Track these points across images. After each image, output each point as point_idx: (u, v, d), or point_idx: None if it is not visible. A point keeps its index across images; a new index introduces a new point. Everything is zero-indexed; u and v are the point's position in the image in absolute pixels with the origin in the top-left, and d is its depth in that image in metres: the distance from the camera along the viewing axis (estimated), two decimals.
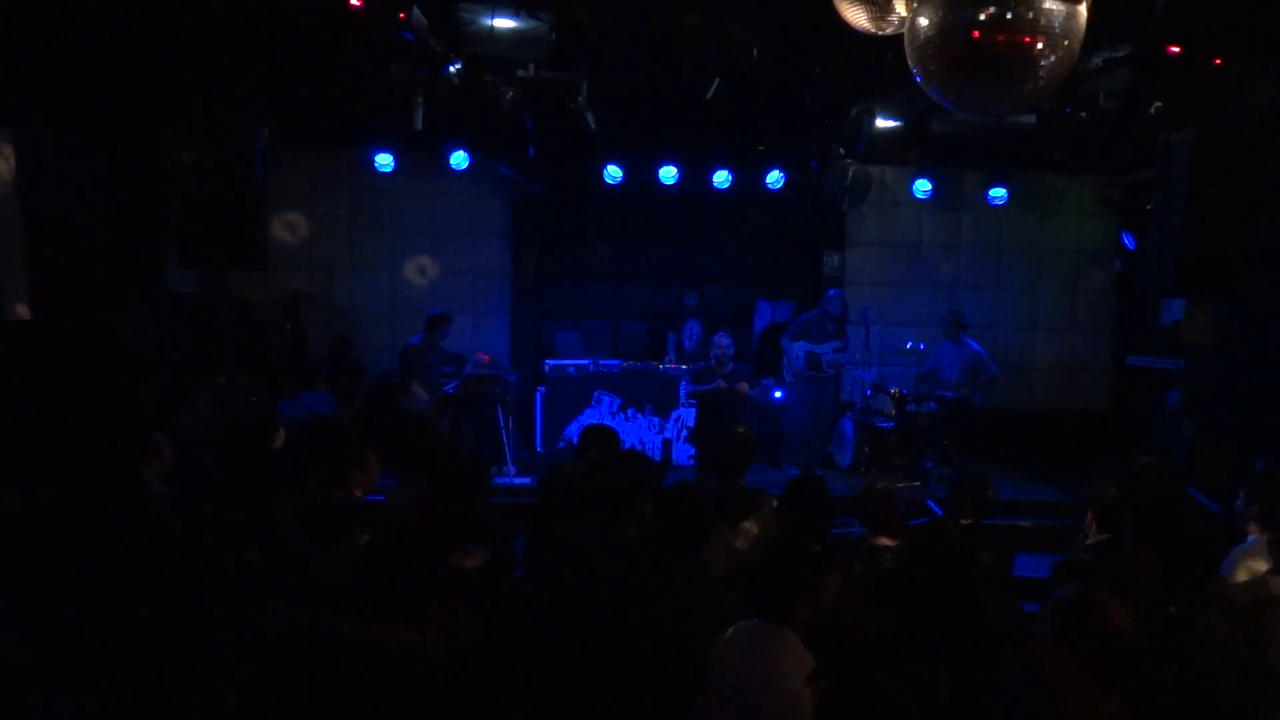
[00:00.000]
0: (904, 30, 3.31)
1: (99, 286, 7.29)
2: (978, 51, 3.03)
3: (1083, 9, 3.05)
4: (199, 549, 3.25)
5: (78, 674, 3.17)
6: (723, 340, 8.24)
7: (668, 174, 9.49)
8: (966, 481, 4.74)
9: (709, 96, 7.10)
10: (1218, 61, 6.60)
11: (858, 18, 3.55)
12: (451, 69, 6.96)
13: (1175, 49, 6.43)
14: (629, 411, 9.10)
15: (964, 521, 4.54)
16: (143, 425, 5.44)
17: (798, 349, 9.14)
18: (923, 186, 9.84)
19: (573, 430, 9.06)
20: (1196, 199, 6.73)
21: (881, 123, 8.47)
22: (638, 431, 9.10)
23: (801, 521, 3.89)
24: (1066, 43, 3.03)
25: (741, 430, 4.94)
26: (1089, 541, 3.95)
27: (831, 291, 9.38)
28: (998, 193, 9.88)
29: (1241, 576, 3.88)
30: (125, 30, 6.38)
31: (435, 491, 3.67)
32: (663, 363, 9.32)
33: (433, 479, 4.25)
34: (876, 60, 5.89)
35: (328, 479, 4.26)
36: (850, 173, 9.30)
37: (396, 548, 3.10)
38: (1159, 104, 7.09)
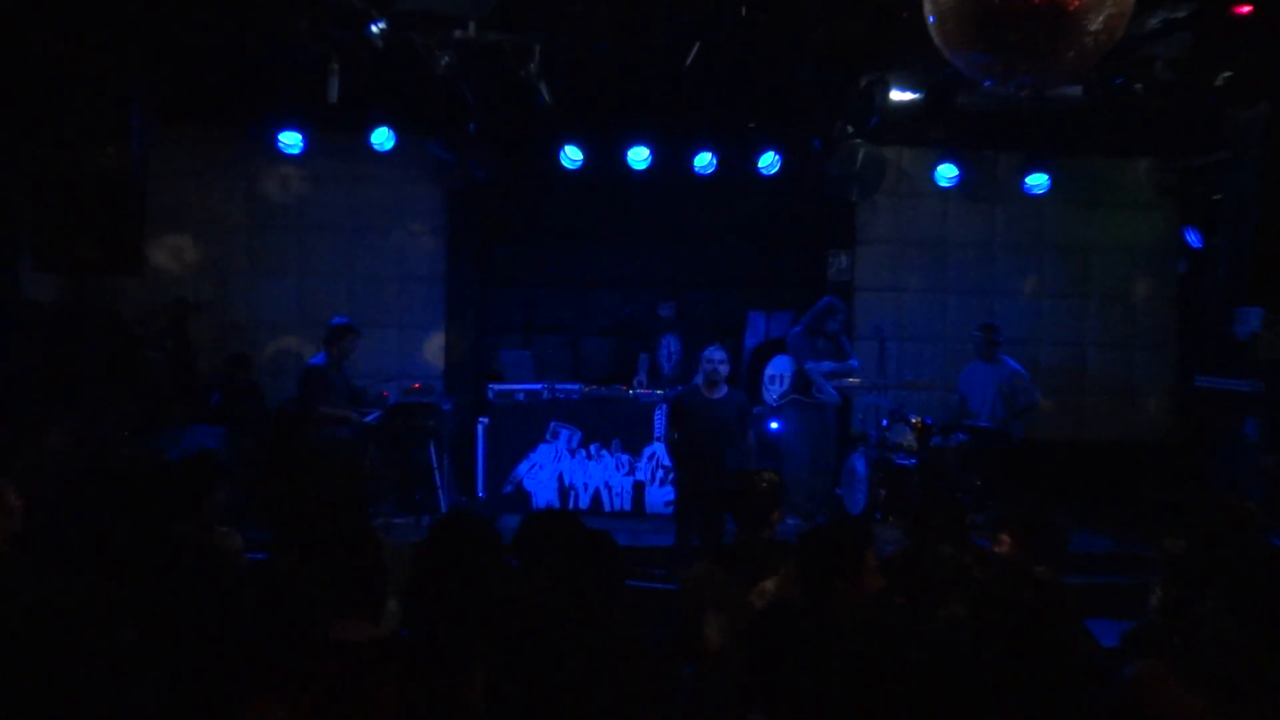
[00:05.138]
0: None
1: None
2: (1008, 10, 3.04)
3: None
4: (60, 626, 3.18)
5: None
6: (715, 354, 7.46)
7: (638, 156, 9.49)
8: (1037, 525, 4.61)
9: (688, 63, 7.12)
10: None
11: None
12: (374, 28, 6.94)
13: (1245, 8, 6.53)
14: (592, 448, 9.05)
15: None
16: None
17: (781, 364, 9.16)
18: (947, 173, 9.89)
19: (524, 470, 9.01)
20: (1273, 187, 6.83)
21: (897, 95, 8.53)
22: (603, 473, 9.05)
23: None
24: None
25: (767, 476, 4.83)
26: (1157, 604, 3.95)
27: (824, 300, 9.23)
28: (1037, 180, 9.94)
29: None
30: None
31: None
32: (633, 387, 9.29)
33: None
34: (890, 20, 5.94)
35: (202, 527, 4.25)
36: (860, 156, 9.36)
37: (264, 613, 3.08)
38: (1227, 74, 7.19)
